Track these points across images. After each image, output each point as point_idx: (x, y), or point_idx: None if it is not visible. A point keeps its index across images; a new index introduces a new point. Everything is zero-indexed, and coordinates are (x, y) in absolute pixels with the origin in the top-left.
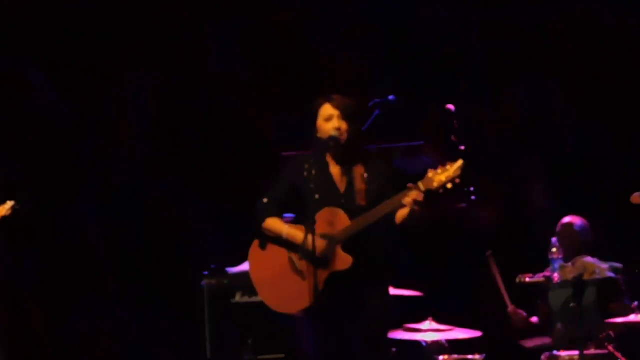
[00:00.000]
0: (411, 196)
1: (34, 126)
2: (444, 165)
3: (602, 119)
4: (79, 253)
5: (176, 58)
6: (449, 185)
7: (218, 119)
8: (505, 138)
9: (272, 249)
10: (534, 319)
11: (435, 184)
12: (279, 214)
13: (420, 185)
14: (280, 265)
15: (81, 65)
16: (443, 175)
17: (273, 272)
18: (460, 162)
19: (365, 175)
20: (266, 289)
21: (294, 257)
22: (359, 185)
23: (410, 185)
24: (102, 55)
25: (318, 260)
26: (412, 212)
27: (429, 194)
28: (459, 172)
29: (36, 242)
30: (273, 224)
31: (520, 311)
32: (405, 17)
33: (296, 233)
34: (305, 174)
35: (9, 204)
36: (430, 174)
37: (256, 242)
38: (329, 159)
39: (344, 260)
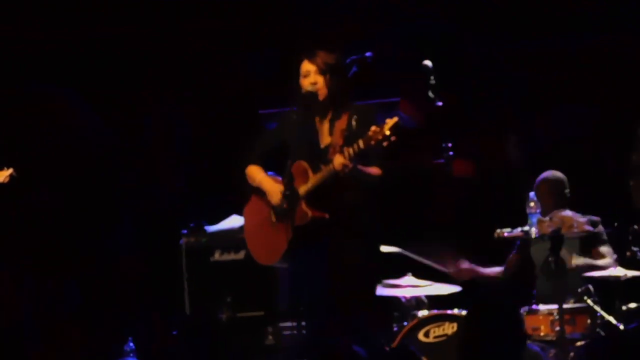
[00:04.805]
0: (337, 161)
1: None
2: (384, 122)
3: None
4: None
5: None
6: (385, 144)
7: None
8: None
9: (258, 203)
10: (489, 270)
11: (372, 142)
12: (263, 164)
13: (361, 142)
14: (262, 218)
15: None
16: (380, 134)
17: (257, 225)
18: (394, 120)
19: (347, 130)
20: (251, 241)
21: (272, 211)
22: (336, 140)
23: (345, 148)
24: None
25: (285, 214)
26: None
27: (365, 151)
28: (393, 130)
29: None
30: (253, 171)
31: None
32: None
33: (270, 186)
34: (291, 129)
35: (7, 171)
36: (371, 131)
37: (252, 196)
38: (315, 115)
39: (302, 215)
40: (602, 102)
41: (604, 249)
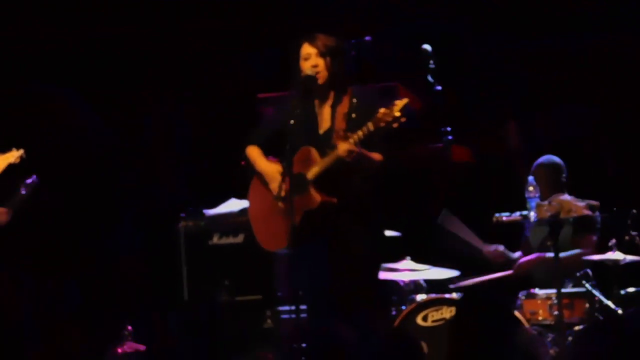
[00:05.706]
0: (342, 148)
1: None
2: (393, 104)
3: None
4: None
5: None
6: (395, 125)
7: None
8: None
9: (262, 187)
10: (517, 254)
11: (382, 124)
12: (262, 147)
13: (370, 125)
14: (267, 203)
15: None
16: (389, 115)
17: (262, 210)
18: (404, 101)
19: (348, 114)
20: (257, 226)
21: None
22: (338, 124)
23: (348, 134)
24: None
25: (291, 200)
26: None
27: (375, 133)
28: (403, 112)
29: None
30: (252, 152)
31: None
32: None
33: (269, 170)
34: (291, 113)
35: (19, 152)
36: (380, 113)
37: (254, 178)
38: (315, 99)
39: (311, 199)
40: (602, 102)
41: (594, 238)
